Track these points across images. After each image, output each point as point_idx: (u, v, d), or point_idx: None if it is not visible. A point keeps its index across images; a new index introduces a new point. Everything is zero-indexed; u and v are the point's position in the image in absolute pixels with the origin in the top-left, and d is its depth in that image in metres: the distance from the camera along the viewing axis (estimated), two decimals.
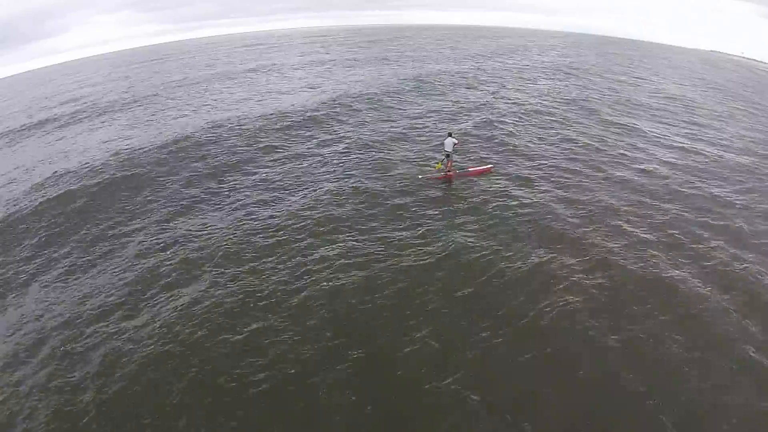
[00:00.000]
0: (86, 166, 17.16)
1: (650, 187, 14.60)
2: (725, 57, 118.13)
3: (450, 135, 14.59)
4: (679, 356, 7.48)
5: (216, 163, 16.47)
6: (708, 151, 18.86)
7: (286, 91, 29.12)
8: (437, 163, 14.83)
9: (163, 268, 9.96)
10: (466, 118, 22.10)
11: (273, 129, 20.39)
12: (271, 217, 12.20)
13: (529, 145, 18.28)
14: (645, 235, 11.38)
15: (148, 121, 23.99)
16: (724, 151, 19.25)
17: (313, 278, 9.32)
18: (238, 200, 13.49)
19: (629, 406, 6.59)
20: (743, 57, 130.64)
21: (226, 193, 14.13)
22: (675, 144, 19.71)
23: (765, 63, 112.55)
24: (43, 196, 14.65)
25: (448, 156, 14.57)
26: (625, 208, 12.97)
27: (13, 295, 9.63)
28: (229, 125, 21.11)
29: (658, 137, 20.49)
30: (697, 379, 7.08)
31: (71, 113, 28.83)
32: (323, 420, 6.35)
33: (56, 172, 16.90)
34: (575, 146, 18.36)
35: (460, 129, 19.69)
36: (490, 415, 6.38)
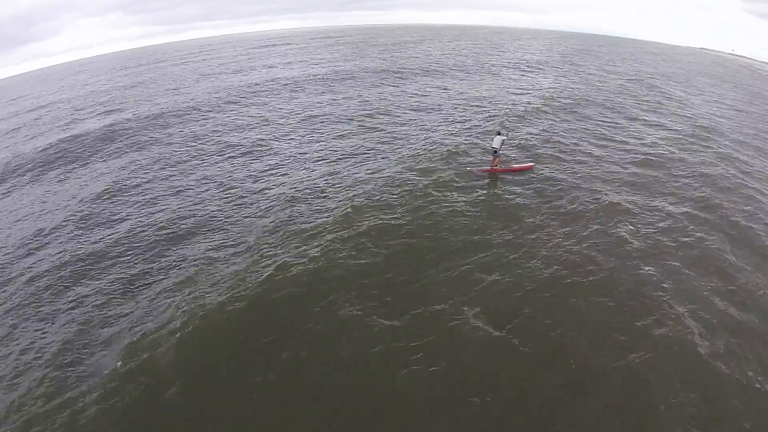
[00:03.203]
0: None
1: None
2: (717, 55, 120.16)
3: (499, 133, 15.27)
4: None
5: None
6: None
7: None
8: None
9: None
10: None
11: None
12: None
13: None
14: None
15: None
16: None
17: None
18: None
19: None
20: (733, 54, 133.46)
21: None
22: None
23: (756, 60, 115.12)
24: None
25: (495, 152, 15.21)
26: None
27: None
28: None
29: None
30: None
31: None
32: None
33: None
34: None
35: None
36: None
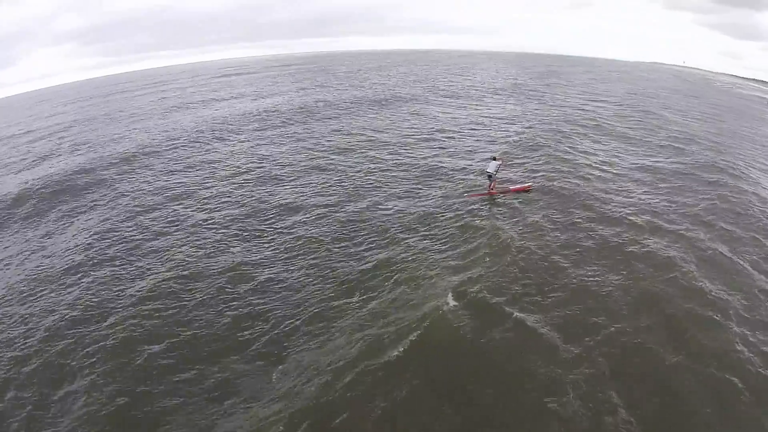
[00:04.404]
0: None
1: None
2: (671, 68, 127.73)
3: (494, 159, 15.02)
4: None
5: None
6: None
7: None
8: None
9: None
10: None
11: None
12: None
13: None
14: None
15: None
16: None
17: None
18: None
19: None
20: (684, 66, 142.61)
21: None
22: None
23: (708, 72, 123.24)
24: None
25: (490, 177, 14.95)
26: None
27: None
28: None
29: None
30: None
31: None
32: None
33: None
34: None
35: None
36: None
